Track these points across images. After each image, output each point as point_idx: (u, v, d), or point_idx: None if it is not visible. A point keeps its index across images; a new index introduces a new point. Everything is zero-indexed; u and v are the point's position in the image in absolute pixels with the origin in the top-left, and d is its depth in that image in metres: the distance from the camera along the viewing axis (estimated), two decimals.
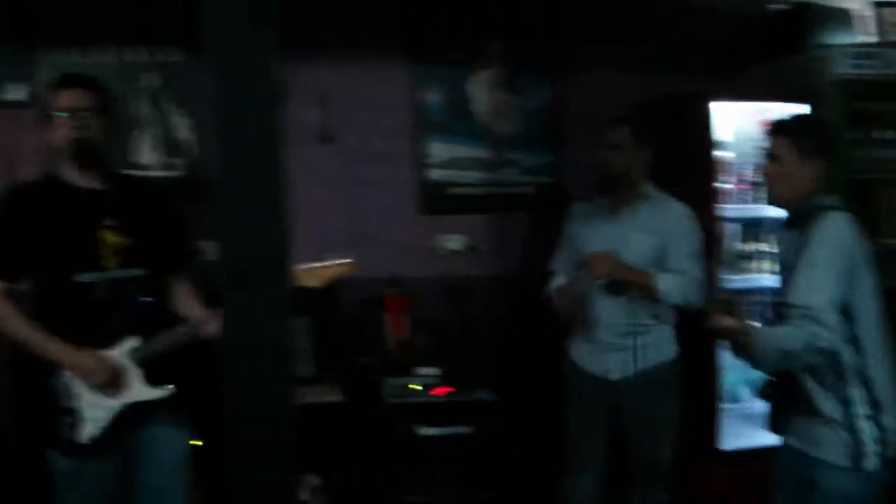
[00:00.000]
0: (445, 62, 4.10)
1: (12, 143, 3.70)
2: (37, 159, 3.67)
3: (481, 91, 4.16)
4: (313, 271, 2.82)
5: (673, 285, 3.14)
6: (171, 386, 2.71)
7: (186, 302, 2.85)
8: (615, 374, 3.26)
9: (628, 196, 3.29)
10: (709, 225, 3.54)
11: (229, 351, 1.96)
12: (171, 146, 3.83)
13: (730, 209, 3.76)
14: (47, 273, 2.63)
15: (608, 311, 3.25)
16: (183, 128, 3.82)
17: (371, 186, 4.08)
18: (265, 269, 1.96)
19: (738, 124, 3.78)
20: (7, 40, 3.68)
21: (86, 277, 2.61)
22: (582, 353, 3.36)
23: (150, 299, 2.73)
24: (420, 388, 3.64)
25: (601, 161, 3.27)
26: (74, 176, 2.67)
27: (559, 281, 3.39)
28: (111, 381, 2.60)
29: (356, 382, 3.75)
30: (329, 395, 3.61)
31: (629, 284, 3.16)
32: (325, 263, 2.86)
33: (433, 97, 4.12)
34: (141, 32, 3.77)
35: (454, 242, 4.17)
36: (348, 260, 2.92)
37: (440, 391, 3.63)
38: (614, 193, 3.30)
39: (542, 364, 3.67)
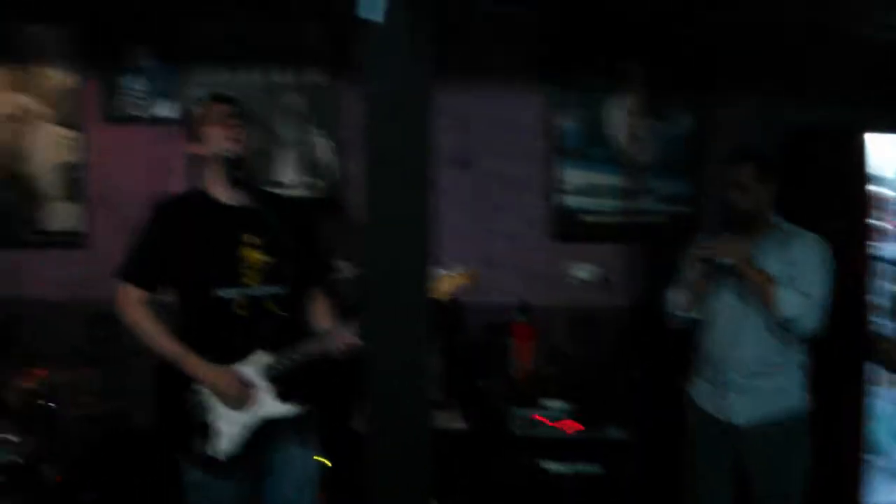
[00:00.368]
0: (582, 86, 4.03)
1: (160, 158, 3.87)
2: (184, 174, 3.85)
3: (619, 116, 4.06)
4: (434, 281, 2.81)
5: (792, 298, 2.92)
6: (302, 403, 2.74)
7: (321, 319, 2.88)
8: (739, 419, 3.07)
9: (756, 230, 3.12)
10: (859, 265, 3.31)
11: (369, 371, 1.96)
12: (312, 166, 3.91)
13: (885, 249, 3.52)
14: (189, 286, 2.71)
15: (733, 348, 3.08)
16: (324, 148, 3.89)
17: (503, 211, 4.05)
18: (406, 291, 1.96)
19: None
20: (157, 58, 3.86)
21: (226, 293, 2.67)
22: (703, 394, 3.19)
23: (286, 315, 2.78)
24: (547, 420, 3.55)
25: (727, 199, 3.14)
26: (220, 192, 2.75)
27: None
28: (245, 399, 2.64)
29: (480, 410, 3.70)
30: (452, 422, 3.58)
31: (749, 280, 3.00)
32: (446, 273, 2.83)
33: (569, 122, 4.05)
34: (287, 54, 3.88)
35: (585, 271, 4.08)
36: (469, 270, 2.88)
37: (568, 425, 3.53)
38: (743, 231, 3.14)
39: (673, 402, 3.52)
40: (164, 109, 3.87)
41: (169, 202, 2.82)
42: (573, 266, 4.08)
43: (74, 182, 3.86)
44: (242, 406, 2.65)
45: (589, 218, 4.09)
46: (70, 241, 3.88)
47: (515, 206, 4.06)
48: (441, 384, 3.71)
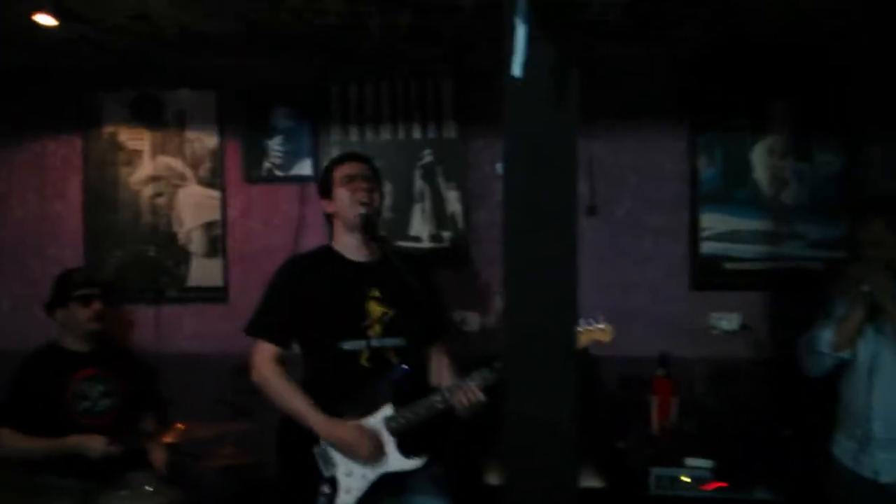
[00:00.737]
0: (723, 127, 3.85)
1: (298, 216, 3.96)
2: (322, 230, 3.93)
3: (763, 157, 3.85)
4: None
5: None
6: (425, 457, 2.69)
7: (442, 372, 2.86)
8: (886, 477, 2.80)
9: None
10: None
11: (512, 428, 1.88)
12: (440, 219, 3.90)
13: None
14: (315, 340, 2.76)
15: (880, 400, 2.82)
16: (453, 201, 3.88)
17: (640, 260, 3.91)
18: (552, 344, 1.87)
19: None
20: (295, 118, 3.97)
21: (350, 345, 2.71)
22: (846, 450, 2.94)
23: (406, 367, 2.76)
24: (689, 480, 3.34)
25: (864, 254, 2.93)
26: (347, 247, 2.79)
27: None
28: (373, 454, 2.62)
29: (617, 468, 3.53)
30: (588, 480, 3.42)
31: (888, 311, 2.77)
32: (584, 327, 2.74)
33: (709, 164, 3.87)
34: (416, 111, 3.92)
35: (727, 321, 3.86)
36: (606, 325, 2.78)
37: (712, 486, 3.31)
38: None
39: (821, 460, 3.25)
40: (302, 168, 3.96)
41: (297, 259, 2.91)
42: (714, 316, 3.88)
43: (216, 239, 4.00)
44: (370, 461, 2.63)
45: (730, 265, 3.87)
46: (211, 296, 4.01)
47: (652, 253, 3.90)
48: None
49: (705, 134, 3.87)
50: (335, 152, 3.92)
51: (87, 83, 4.03)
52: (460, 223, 3.91)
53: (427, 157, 3.93)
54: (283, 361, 2.77)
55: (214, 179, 4.00)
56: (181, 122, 4.01)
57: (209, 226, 4.01)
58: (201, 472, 3.24)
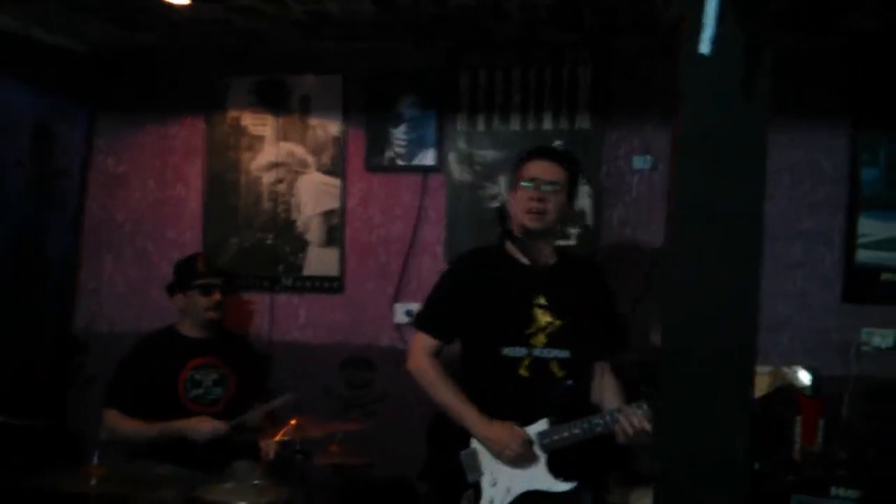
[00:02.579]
0: (889, 126, 3.48)
1: (418, 207, 3.82)
2: (443, 223, 3.77)
3: None
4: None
5: None
6: (575, 481, 2.50)
7: (607, 391, 2.67)
8: None
9: None
10: None
11: (670, 463, 1.66)
12: (571, 215, 3.66)
13: None
14: (477, 342, 2.65)
15: None
16: (583, 195, 3.65)
17: (789, 266, 3.58)
18: (724, 370, 1.64)
19: None
20: (419, 107, 3.81)
21: (512, 352, 2.58)
22: None
23: (571, 383, 2.61)
24: None
25: None
26: (518, 249, 2.64)
27: None
28: (521, 459, 2.45)
29: (753, 492, 3.23)
30: None
31: None
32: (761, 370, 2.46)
33: (870, 165, 3.52)
34: (548, 100, 3.70)
35: (882, 337, 3.50)
36: (774, 369, 2.51)
37: None
38: None
39: None
40: (425, 158, 3.80)
41: (473, 254, 2.83)
42: (866, 331, 3.52)
43: (334, 228, 3.89)
44: (517, 464, 2.48)
45: (888, 276, 3.51)
46: (327, 285, 3.90)
47: (803, 260, 3.58)
48: None
49: (869, 132, 3.51)
50: (461, 143, 3.75)
51: (212, 66, 3.97)
52: (590, 221, 3.68)
53: (575, 165, 3.70)
54: (439, 355, 2.70)
55: (335, 167, 3.88)
56: (305, 108, 3.91)
57: (328, 214, 3.90)
58: (311, 468, 3.09)
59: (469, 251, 2.87)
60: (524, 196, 2.61)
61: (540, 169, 2.64)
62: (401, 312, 3.79)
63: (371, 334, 3.86)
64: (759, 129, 1.75)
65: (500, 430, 2.50)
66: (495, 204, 2.63)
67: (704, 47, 1.64)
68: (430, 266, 3.79)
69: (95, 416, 3.36)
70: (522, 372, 2.58)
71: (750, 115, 1.74)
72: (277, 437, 2.83)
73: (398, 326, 3.80)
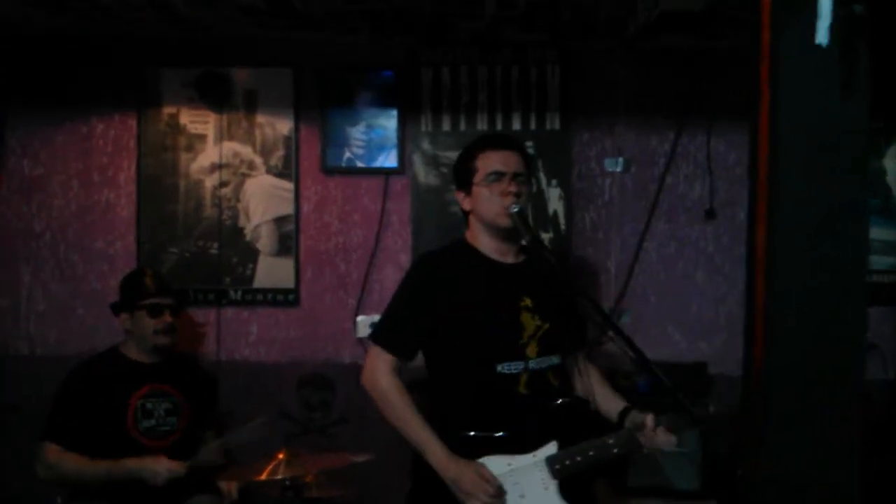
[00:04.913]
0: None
1: (380, 211, 3.57)
2: (408, 230, 3.53)
3: None
4: None
5: None
6: None
7: (596, 386, 2.45)
8: None
9: None
10: None
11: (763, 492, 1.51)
12: (540, 218, 3.50)
13: None
14: (460, 358, 2.34)
15: None
16: (554, 199, 3.50)
17: None
18: (826, 388, 1.50)
19: None
20: (377, 104, 3.56)
21: (507, 368, 2.29)
22: None
23: (575, 395, 2.39)
24: None
25: None
26: (489, 247, 2.38)
27: None
28: (490, 502, 2.20)
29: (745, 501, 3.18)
30: None
31: None
32: None
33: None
34: (516, 100, 3.53)
35: None
36: None
37: None
38: None
39: None
40: (387, 159, 3.55)
41: (433, 257, 2.48)
42: None
43: (287, 236, 3.58)
44: None
45: (877, 277, 3.54)
46: (280, 298, 3.59)
47: None
48: (701, 472, 3.22)
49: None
50: (425, 143, 3.52)
51: (145, 57, 3.58)
52: (562, 224, 3.53)
53: (527, 150, 3.52)
54: (399, 371, 2.34)
55: (287, 169, 3.57)
56: (251, 105, 3.57)
57: (280, 221, 3.58)
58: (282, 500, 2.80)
59: (431, 252, 2.50)
60: (496, 190, 2.30)
61: (503, 160, 2.33)
62: (363, 326, 3.53)
63: (330, 350, 3.59)
64: (860, 127, 1.61)
65: (466, 477, 2.19)
66: (513, 209, 2.31)
67: (822, 37, 1.50)
68: (395, 276, 3.53)
69: (21, 450, 2.98)
70: (521, 390, 2.29)
71: (849, 113, 1.60)
72: (265, 475, 2.49)
73: (361, 341, 3.53)
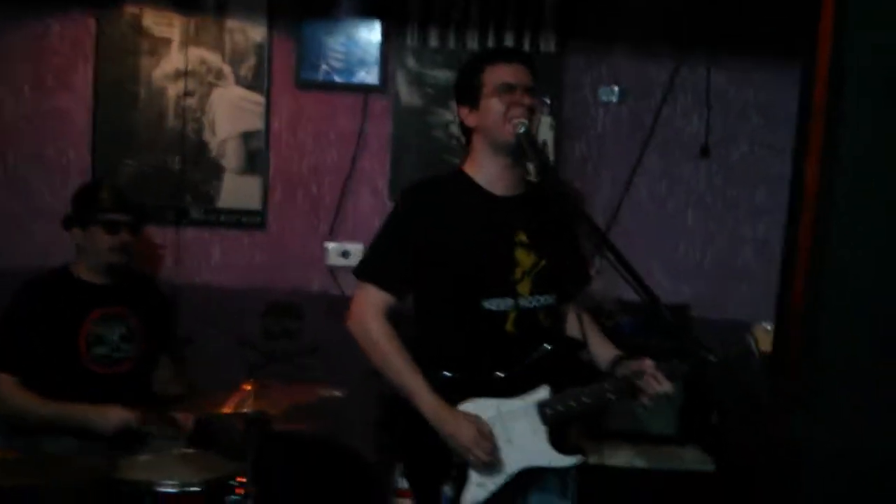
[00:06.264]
0: None
1: (357, 132, 3.33)
2: (387, 151, 3.30)
3: None
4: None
5: None
6: (580, 454, 2.18)
7: (591, 336, 2.30)
8: None
9: None
10: None
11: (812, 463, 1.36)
12: None
13: None
14: (447, 294, 2.16)
15: None
16: (543, 126, 3.29)
17: (751, 212, 3.40)
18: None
19: None
20: (360, 15, 3.29)
21: (496, 305, 2.12)
22: None
23: (569, 338, 2.24)
24: None
25: None
26: (488, 175, 2.19)
27: None
28: (489, 459, 2.06)
29: (722, 447, 3.10)
30: (693, 462, 2.99)
31: None
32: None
33: None
34: (511, 17, 3.28)
35: None
36: None
37: None
38: None
39: None
40: (367, 76, 3.29)
41: (425, 187, 2.27)
42: None
43: (255, 154, 3.33)
44: (484, 468, 2.07)
45: None
46: (246, 220, 3.35)
47: (768, 208, 3.39)
48: (678, 418, 3.12)
49: None
50: (410, 60, 3.27)
51: None
52: (550, 154, 3.32)
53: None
54: (391, 315, 2.15)
55: (258, 81, 3.30)
56: (221, 8, 3.28)
57: (248, 136, 3.33)
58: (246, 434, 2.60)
59: (423, 181, 2.32)
60: (505, 101, 2.10)
61: (513, 73, 2.14)
62: (335, 253, 3.32)
63: (298, 278, 3.37)
64: None
65: (467, 431, 2.04)
66: (519, 129, 2.10)
67: None
68: (371, 202, 3.34)
69: None
70: (509, 328, 2.14)
71: None
72: (231, 408, 2.29)
73: (331, 270, 3.32)
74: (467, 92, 2.18)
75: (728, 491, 2.94)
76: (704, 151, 3.35)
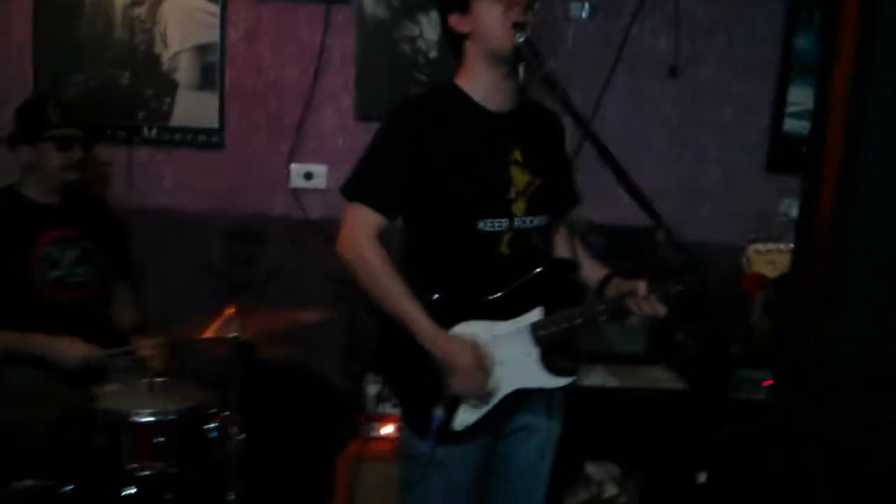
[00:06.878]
0: None
1: (319, 45, 3.16)
2: (352, 68, 3.16)
3: None
4: (766, 256, 2.16)
5: None
6: (574, 375, 2.16)
7: (582, 258, 2.25)
8: None
9: None
10: None
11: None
12: None
13: None
14: (440, 215, 2.07)
15: None
16: None
17: (717, 132, 3.40)
18: None
19: None
20: None
21: (491, 226, 2.05)
22: None
23: (562, 258, 2.19)
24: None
25: None
26: (482, 89, 2.07)
27: None
28: (485, 388, 2.03)
29: (696, 368, 3.15)
30: (664, 381, 3.04)
31: None
32: (782, 250, 2.18)
33: (807, 29, 3.35)
34: None
35: (797, 209, 3.46)
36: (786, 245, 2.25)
37: None
38: None
39: None
40: None
41: (417, 101, 2.16)
42: (785, 202, 3.46)
43: (210, 68, 3.15)
44: (479, 397, 2.04)
45: None
46: (202, 139, 3.19)
47: (731, 126, 3.40)
48: (648, 337, 3.15)
49: None
50: None
51: None
52: (520, 73, 3.22)
53: None
54: (383, 234, 2.06)
55: None
56: None
57: (202, 49, 3.14)
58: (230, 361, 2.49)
59: (415, 95, 2.22)
60: (502, 6, 1.95)
61: None
62: (298, 175, 3.20)
63: (259, 201, 3.24)
64: None
65: (461, 352, 1.99)
66: (519, 39, 1.98)
67: None
68: (334, 120, 3.20)
69: None
70: (503, 249, 2.07)
71: None
72: (213, 332, 2.19)
73: (294, 192, 3.21)
74: None
75: (700, 410, 3.01)
76: (672, 71, 3.32)
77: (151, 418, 2.18)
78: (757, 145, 3.43)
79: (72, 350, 2.49)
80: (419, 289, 2.03)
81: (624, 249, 3.24)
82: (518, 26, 1.97)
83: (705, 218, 3.42)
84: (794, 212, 3.44)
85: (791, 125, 3.42)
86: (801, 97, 3.39)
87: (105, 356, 2.52)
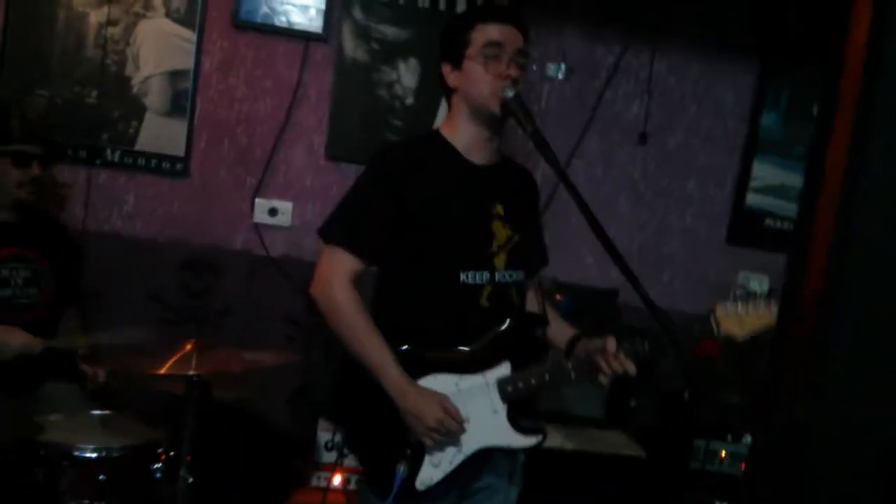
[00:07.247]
0: (795, 71, 3.40)
1: (295, 81, 3.13)
2: (326, 104, 3.13)
3: None
4: (735, 316, 2.17)
5: None
6: (540, 435, 2.12)
7: (555, 319, 2.24)
8: None
9: None
10: None
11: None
12: None
13: None
14: (422, 265, 2.03)
15: None
16: None
17: (680, 201, 3.45)
18: None
19: None
20: None
21: (473, 278, 2.02)
22: None
23: (534, 314, 2.16)
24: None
25: None
26: (466, 141, 2.05)
27: None
28: (453, 438, 1.99)
29: (655, 435, 3.14)
30: (622, 447, 3.01)
31: None
32: (751, 311, 2.19)
33: (774, 108, 3.44)
34: None
35: (757, 282, 3.52)
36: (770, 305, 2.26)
37: None
38: None
39: None
40: (310, 22, 3.10)
41: (401, 147, 2.14)
42: (743, 275, 3.52)
43: (181, 95, 3.09)
44: (443, 448, 1.99)
45: (771, 222, 3.51)
46: (167, 167, 3.11)
47: (695, 196, 3.46)
48: (607, 401, 3.14)
49: (776, 74, 3.41)
50: (357, 11, 3.11)
51: None
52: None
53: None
54: (357, 279, 2.01)
55: (190, 16, 3.05)
56: None
57: (175, 76, 3.08)
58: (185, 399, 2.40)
59: (399, 141, 2.23)
60: (495, 68, 1.97)
61: (504, 34, 2.00)
62: (262, 210, 3.14)
63: (220, 233, 3.17)
64: None
65: (428, 407, 1.94)
66: (507, 93, 1.98)
67: None
68: (305, 158, 3.16)
69: None
70: (483, 302, 2.03)
71: None
72: (167, 368, 2.09)
73: (257, 227, 3.14)
74: (452, 47, 2.04)
75: (658, 478, 2.99)
76: (642, 138, 3.37)
77: (95, 454, 2.07)
78: (719, 217, 3.50)
79: (12, 339, 2.40)
80: (390, 335, 1.99)
81: (587, 309, 3.24)
82: (509, 79, 1.98)
83: (665, 284, 3.46)
84: (752, 284, 3.51)
85: (753, 199, 3.49)
86: (764, 172, 3.47)
87: (44, 348, 2.41)
